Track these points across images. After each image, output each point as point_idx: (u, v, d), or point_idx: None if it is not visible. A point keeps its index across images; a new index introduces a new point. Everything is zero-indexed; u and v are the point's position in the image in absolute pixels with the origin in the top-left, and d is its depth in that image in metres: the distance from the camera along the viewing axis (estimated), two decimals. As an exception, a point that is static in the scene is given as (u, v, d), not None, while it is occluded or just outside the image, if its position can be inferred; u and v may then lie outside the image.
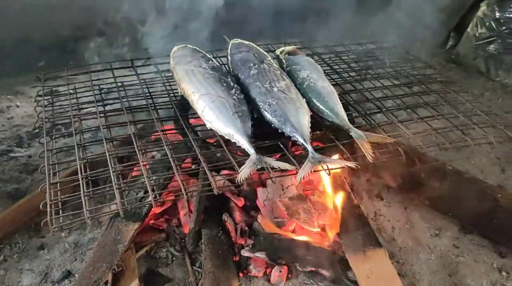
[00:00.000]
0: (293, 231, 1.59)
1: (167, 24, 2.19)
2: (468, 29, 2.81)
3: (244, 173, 1.18)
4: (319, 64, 1.83)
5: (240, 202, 1.64)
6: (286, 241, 1.50)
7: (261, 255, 1.48)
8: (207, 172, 1.20)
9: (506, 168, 1.98)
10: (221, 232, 1.54)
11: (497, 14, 2.59)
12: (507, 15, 2.54)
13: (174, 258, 1.55)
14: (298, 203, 1.59)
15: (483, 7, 2.69)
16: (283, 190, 1.64)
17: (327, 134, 1.42)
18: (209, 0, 2.27)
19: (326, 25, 3.58)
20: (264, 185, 1.66)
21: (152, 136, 1.66)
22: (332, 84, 1.59)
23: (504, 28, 2.57)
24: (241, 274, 1.49)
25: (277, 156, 1.40)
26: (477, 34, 2.72)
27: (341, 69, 1.84)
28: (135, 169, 1.57)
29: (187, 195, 1.14)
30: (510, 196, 1.68)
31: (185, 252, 1.56)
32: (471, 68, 2.80)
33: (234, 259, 1.52)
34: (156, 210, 1.59)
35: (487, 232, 1.64)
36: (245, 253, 1.50)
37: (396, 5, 3.67)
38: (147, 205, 1.50)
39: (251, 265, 1.50)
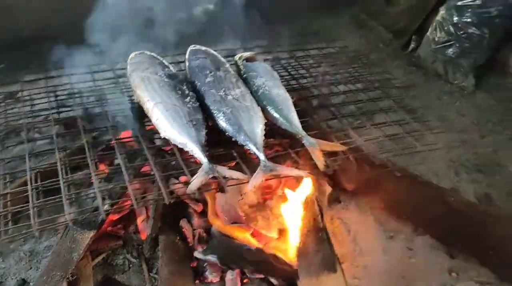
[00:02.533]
0: (253, 236, 1.61)
1: (131, 27, 2.18)
2: (428, 33, 2.87)
3: (195, 183, 1.19)
4: (278, 70, 1.88)
5: (199, 207, 1.65)
6: (239, 246, 1.51)
7: (212, 258, 1.50)
8: (158, 181, 1.21)
9: (459, 171, 2.04)
10: (178, 238, 1.55)
11: (455, 19, 2.65)
12: (465, 20, 2.61)
13: (131, 265, 1.55)
14: (257, 210, 1.61)
15: (442, 12, 2.75)
16: (241, 195, 1.66)
17: (281, 142, 1.45)
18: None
19: (289, 28, 3.62)
20: (222, 190, 1.68)
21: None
22: (289, 90, 1.62)
23: (461, 32, 2.64)
24: (197, 281, 1.50)
25: (233, 164, 1.43)
26: (436, 38, 2.79)
27: (299, 75, 1.86)
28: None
29: (137, 205, 1.15)
30: (462, 199, 1.74)
31: (142, 258, 1.56)
32: (430, 71, 2.87)
33: (192, 265, 1.53)
34: (113, 217, 1.59)
35: (439, 234, 1.69)
36: (197, 255, 1.52)
37: (360, 6, 3.74)
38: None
39: (207, 271, 1.52)
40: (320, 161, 1.31)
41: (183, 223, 1.58)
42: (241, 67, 1.65)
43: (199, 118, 1.36)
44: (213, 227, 1.59)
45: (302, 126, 1.41)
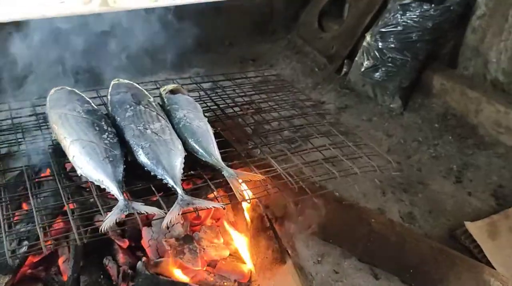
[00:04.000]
0: (180, 269, 1.60)
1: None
2: (356, 58, 3.00)
3: (109, 220, 1.18)
4: (204, 100, 1.90)
5: (124, 243, 1.62)
6: (166, 283, 1.50)
7: (138, 296, 1.47)
8: (71, 221, 1.19)
9: (386, 190, 2.12)
10: (102, 276, 1.51)
11: (380, 44, 2.79)
12: (388, 46, 2.75)
13: (53, 308, 1.50)
14: (185, 243, 1.60)
15: (367, 38, 2.89)
16: (168, 228, 1.65)
17: (201, 174, 1.46)
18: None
19: (226, 55, 3.69)
20: (149, 224, 1.66)
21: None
22: (213, 121, 1.64)
23: (386, 57, 2.77)
24: (122, 320, 1.47)
25: (154, 199, 1.43)
26: (363, 63, 2.92)
27: (226, 104, 1.89)
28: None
29: (45, 248, 1.12)
30: (382, 220, 1.81)
31: (65, 301, 1.51)
32: (361, 94, 2.99)
33: (117, 304, 1.50)
34: (34, 258, 1.54)
35: (364, 256, 1.74)
36: (121, 295, 1.49)
37: (296, 33, 3.85)
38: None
39: (133, 310, 1.49)
40: (238, 191, 1.33)
41: (107, 260, 1.54)
42: (165, 99, 1.66)
43: (117, 154, 1.35)
44: (138, 263, 1.57)
45: (224, 157, 1.43)
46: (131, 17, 2.86)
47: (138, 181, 1.39)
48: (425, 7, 2.64)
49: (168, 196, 1.34)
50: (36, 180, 1.40)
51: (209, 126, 1.53)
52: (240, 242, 1.71)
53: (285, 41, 3.84)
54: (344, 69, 3.28)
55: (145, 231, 1.64)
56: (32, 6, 1.12)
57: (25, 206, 1.58)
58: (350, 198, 1.93)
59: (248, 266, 1.64)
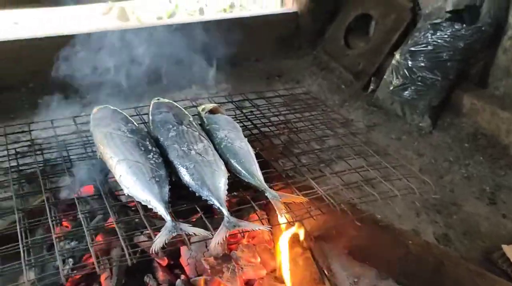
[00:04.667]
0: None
1: (93, 77, 2.20)
2: (385, 76, 3.01)
3: (159, 242, 1.19)
4: (240, 119, 1.92)
5: (164, 261, 1.64)
6: (207, 302, 1.51)
7: (179, 316, 1.48)
8: (121, 240, 1.21)
9: (420, 211, 2.11)
10: (143, 294, 1.53)
11: (410, 63, 2.80)
12: (418, 64, 2.76)
13: (94, 325, 1.52)
14: (223, 262, 1.62)
15: (397, 56, 2.90)
16: (206, 247, 1.66)
17: (244, 195, 1.47)
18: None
19: (252, 71, 3.72)
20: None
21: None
22: (252, 140, 1.66)
23: (416, 76, 2.78)
24: None
25: (196, 217, 1.45)
26: (392, 81, 2.92)
27: (262, 124, 1.91)
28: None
29: (99, 268, 1.14)
30: (420, 242, 1.80)
31: (106, 318, 1.53)
32: (390, 112, 2.99)
33: (157, 322, 1.51)
34: (76, 276, 1.56)
35: (401, 278, 1.73)
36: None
37: (322, 49, 3.87)
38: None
39: (174, 328, 1.50)
40: (283, 214, 1.34)
41: (148, 278, 1.56)
42: (204, 119, 1.69)
43: (162, 175, 1.37)
44: (177, 282, 1.59)
45: (265, 178, 1.44)
46: (157, 32, 2.92)
47: (180, 201, 1.41)
48: (456, 27, 2.65)
49: (209, 216, 1.35)
50: (83, 198, 1.42)
51: (250, 147, 1.55)
52: (278, 262, 1.72)
53: (311, 57, 3.86)
54: (371, 87, 3.29)
55: (184, 250, 1.66)
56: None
57: (65, 223, 1.62)
58: (385, 218, 1.93)
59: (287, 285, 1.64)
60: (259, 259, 1.72)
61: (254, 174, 1.44)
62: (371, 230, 1.77)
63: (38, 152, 1.62)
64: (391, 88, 2.94)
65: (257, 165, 1.47)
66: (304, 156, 1.71)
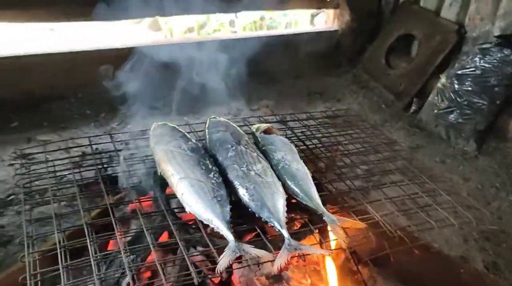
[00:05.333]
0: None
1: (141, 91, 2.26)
2: (430, 98, 2.99)
3: (223, 262, 1.22)
4: (290, 138, 1.94)
5: (217, 279, 1.66)
6: (262, 322, 1.52)
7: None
8: (187, 261, 1.24)
9: (468, 238, 2.09)
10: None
11: (456, 87, 2.78)
12: (465, 88, 2.74)
13: None
14: (275, 282, 1.63)
15: (442, 79, 2.88)
16: (258, 266, 1.68)
17: (301, 217, 1.49)
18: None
19: (294, 88, 3.74)
20: (239, 259, 1.70)
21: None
22: (305, 161, 1.67)
23: (462, 99, 2.76)
24: None
25: (252, 235, 1.47)
26: (437, 104, 2.91)
27: (313, 145, 1.93)
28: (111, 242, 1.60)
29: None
30: (471, 270, 1.78)
31: (161, 332, 1.55)
32: (433, 134, 2.97)
33: None
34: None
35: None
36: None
37: (362, 67, 3.88)
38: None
39: None
40: (342, 238, 1.35)
41: (201, 296, 1.58)
42: (259, 139, 1.71)
43: (223, 194, 1.40)
44: (230, 300, 1.61)
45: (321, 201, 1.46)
46: (198, 48, 2.98)
47: (237, 220, 1.43)
48: (505, 52, 2.62)
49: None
50: (146, 214, 1.46)
51: (306, 169, 1.56)
52: (326, 284, 1.72)
53: (350, 75, 3.87)
54: (413, 108, 3.27)
55: (235, 267, 1.68)
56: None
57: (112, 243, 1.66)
58: (433, 244, 1.91)
59: (336, 310, 1.64)
60: (309, 281, 1.73)
61: (312, 196, 1.45)
62: (421, 256, 1.76)
63: (99, 165, 1.68)
64: (436, 111, 2.92)
65: (314, 187, 1.49)
66: (357, 180, 1.72)
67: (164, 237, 1.56)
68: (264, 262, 1.31)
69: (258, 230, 1.39)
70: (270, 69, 3.56)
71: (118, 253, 1.33)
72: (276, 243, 1.37)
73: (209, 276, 1.47)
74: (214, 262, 1.60)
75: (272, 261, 1.27)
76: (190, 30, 4.55)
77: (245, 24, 4.56)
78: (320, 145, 1.93)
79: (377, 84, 3.64)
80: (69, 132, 2.65)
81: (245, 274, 1.66)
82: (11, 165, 2.29)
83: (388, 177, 1.75)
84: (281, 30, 4.36)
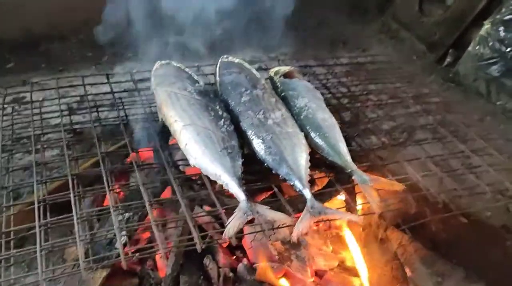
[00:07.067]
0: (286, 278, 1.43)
1: (148, 29, 2.01)
2: (470, 48, 2.67)
3: (233, 226, 1.01)
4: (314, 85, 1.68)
5: (225, 243, 1.46)
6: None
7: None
8: (190, 225, 1.02)
9: (510, 206, 1.84)
10: (202, 278, 1.36)
11: (502, 34, 2.45)
12: (512, 36, 2.42)
13: (147, 307, 1.37)
14: (291, 248, 1.42)
15: (486, 26, 2.56)
16: (273, 229, 1.47)
17: (327, 176, 1.26)
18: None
19: (315, 35, 3.44)
20: (251, 222, 1.49)
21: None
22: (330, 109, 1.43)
23: (509, 49, 2.44)
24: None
25: (267, 194, 1.25)
26: (479, 54, 2.59)
27: (340, 94, 1.67)
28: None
29: (164, 253, 0.97)
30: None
31: (160, 300, 1.38)
32: (471, 89, 2.67)
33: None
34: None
35: (493, 283, 1.49)
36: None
37: (392, 15, 3.54)
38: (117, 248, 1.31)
39: (236, 319, 1.33)
40: (375, 202, 1.11)
41: (207, 260, 1.39)
42: (278, 84, 1.46)
43: (235, 146, 1.17)
44: (240, 266, 1.41)
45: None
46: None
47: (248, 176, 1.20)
48: None
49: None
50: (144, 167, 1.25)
51: (334, 119, 1.32)
52: (350, 252, 1.51)
53: (378, 24, 3.53)
54: (448, 60, 2.96)
55: (247, 230, 1.47)
56: None
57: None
58: (473, 213, 1.68)
59: (361, 280, 1.44)
60: (330, 248, 1.52)
61: (340, 151, 1.22)
62: (460, 223, 1.53)
63: (93, 109, 1.45)
64: (477, 62, 2.61)
65: (343, 141, 1.25)
66: (390, 134, 1.47)
67: (166, 194, 1.35)
68: (281, 227, 1.09)
69: (275, 189, 1.16)
70: (290, 15, 3.25)
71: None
72: (295, 204, 1.16)
73: (219, 241, 1.25)
74: (223, 225, 1.41)
75: (291, 226, 1.06)
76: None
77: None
78: (348, 94, 1.68)
79: (408, 34, 3.31)
80: (67, 75, 2.40)
81: (258, 238, 1.45)
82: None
83: (430, 132, 1.50)
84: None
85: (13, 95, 1.49)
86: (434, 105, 1.70)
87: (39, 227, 1.00)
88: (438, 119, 1.58)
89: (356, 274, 1.46)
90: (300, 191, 1.10)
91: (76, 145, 1.30)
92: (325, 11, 3.52)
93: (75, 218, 1.02)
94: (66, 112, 1.40)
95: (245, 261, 1.43)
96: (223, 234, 0.99)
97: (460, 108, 2.48)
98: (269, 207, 1.06)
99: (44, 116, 1.38)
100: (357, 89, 1.71)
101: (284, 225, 1.10)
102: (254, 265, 1.42)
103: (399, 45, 3.28)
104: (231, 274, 1.39)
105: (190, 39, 2.14)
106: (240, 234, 1.05)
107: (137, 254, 0.96)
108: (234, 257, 1.47)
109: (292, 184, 1.12)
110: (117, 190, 1.35)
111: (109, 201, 1.09)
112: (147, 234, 1.36)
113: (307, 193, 1.09)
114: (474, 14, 2.86)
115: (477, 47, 2.62)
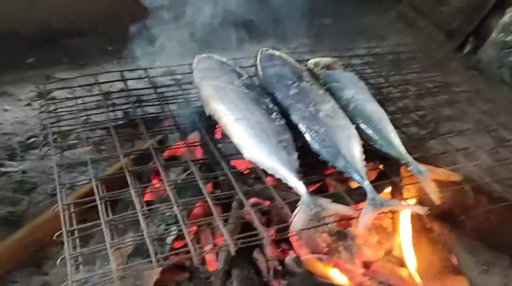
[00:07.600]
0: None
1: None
2: (493, 35, 2.66)
3: (299, 221, 1.00)
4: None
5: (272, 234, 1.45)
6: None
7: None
8: (256, 221, 1.02)
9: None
10: (252, 271, 1.36)
11: (526, 21, 2.45)
12: (538, 23, 2.41)
13: (198, 302, 1.37)
14: (338, 239, 1.42)
15: (510, 13, 2.54)
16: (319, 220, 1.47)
17: (377, 167, 1.26)
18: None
19: (330, 25, 3.42)
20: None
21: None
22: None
23: (534, 36, 2.44)
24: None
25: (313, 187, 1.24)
26: (503, 42, 2.58)
27: (379, 84, 1.66)
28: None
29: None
30: None
31: (211, 294, 1.37)
32: (494, 77, 2.65)
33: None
34: (177, 244, 1.40)
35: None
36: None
37: (409, 3, 3.51)
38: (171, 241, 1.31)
39: (289, 313, 1.33)
40: (435, 193, 1.11)
41: (257, 253, 1.38)
42: (321, 76, 1.45)
43: (289, 139, 1.16)
44: (287, 259, 1.40)
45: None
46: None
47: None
48: None
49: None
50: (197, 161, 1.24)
51: (383, 110, 1.31)
52: (396, 242, 1.51)
53: (395, 13, 3.50)
54: (468, 48, 2.94)
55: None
56: None
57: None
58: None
59: (409, 271, 1.44)
60: (376, 238, 1.52)
61: (394, 142, 1.21)
62: (504, 212, 1.53)
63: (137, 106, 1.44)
64: (501, 50, 2.60)
65: (395, 132, 1.24)
66: (437, 124, 1.47)
67: (208, 188, 1.34)
68: (344, 220, 1.09)
69: (332, 182, 1.16)
70: (307, 5, 3.22)
71: (164, 206, 1.11)
72: (352, 196, 1.15)
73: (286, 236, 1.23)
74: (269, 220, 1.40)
75: (347, 219, 1.06)
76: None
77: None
78: (386, 84, 1.67)
79: (426, 22, 3.28)
80: (90, 70, 2.38)
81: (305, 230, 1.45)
82: (28, 105, 2.07)
83: (474, 123, 1.49)
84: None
85: (53, 91, 1.47)
86: (471, 94, 1.70)
87: (105, 223, 0.99)
88: (479, 107, 1.58)
89: (402, 264, 1.46)
90: (360, 183, 1.10)
91: (127, 141, 1.29)
92: (339, 2, 3.50)
93: (139, 214, 1.01)
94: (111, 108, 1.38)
95: (292, 253, 1.42)
96: (291, 228, 0.99)
97: (493, 96, 2.49)
98: (331, 200, 1.05)
99: (89, 112, 1.36)
100: (394, 79, 1.70)
101: (342, 218, 1.09)
102: (301, 257, 1.41)
103: (417, 34, 3.26)
104: (279, 268, 1.38)
105: (208, 33, 2.13)
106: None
107: (206, 249, 0.95)
108: (280, 249, 1.46)
109: (350, 176, 1.11)
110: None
111: (169, 195, 1.08)
112: (194, 228, 1.35)
113: (367, 185, 1.08)
114: (494, 1, 2.84)
115: (500, 35, 2.60)
